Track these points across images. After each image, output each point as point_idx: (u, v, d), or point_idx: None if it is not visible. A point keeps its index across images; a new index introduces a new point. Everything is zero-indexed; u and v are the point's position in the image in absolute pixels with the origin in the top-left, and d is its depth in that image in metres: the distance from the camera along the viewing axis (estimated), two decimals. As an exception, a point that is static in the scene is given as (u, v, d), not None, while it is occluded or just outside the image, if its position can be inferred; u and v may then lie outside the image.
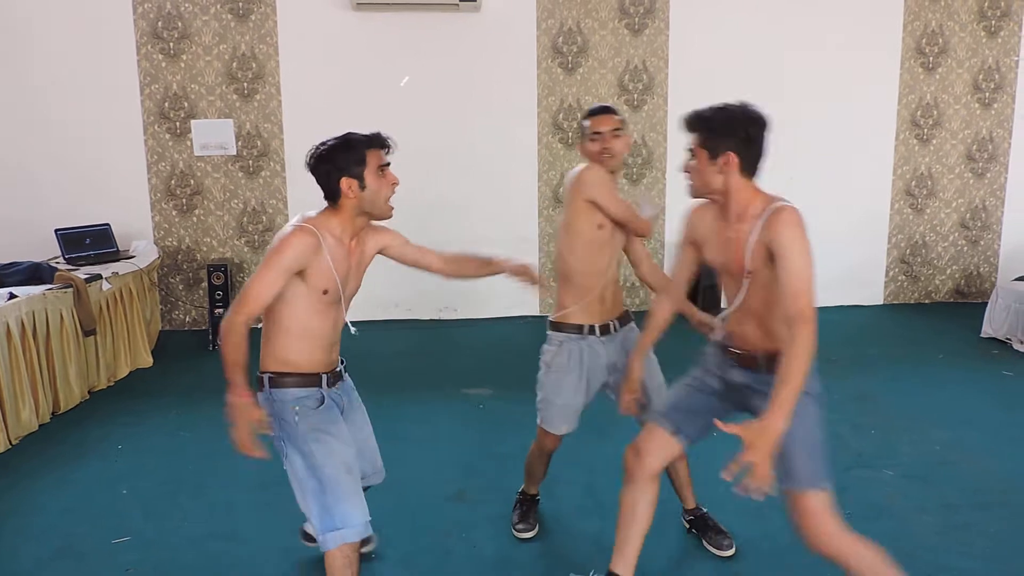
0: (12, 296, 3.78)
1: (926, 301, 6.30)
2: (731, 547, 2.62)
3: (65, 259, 4.73)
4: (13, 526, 2.92)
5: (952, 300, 6.30)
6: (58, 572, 2.62)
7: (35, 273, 4.12)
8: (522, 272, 2.43)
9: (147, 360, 4.84)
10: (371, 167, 2.11)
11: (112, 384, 4.49)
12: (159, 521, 2.94)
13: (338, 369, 2.26)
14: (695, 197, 2.11)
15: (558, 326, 2.56)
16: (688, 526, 2.75)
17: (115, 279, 4.60)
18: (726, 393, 2.14)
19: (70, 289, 4.13)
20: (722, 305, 2.36)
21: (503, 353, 5.13)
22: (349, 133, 2.13)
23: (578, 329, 2.52)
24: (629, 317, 2.65)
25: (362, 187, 2.10)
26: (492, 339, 5.51)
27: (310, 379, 2.14)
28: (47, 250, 4.88)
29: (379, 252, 2.34)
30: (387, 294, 5.89)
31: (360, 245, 2.23)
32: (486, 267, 2.45)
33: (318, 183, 2.13)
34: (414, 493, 3.09)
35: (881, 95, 5.90)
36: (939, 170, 6.08)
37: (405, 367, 4.88)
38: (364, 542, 2.51)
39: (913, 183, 6.09)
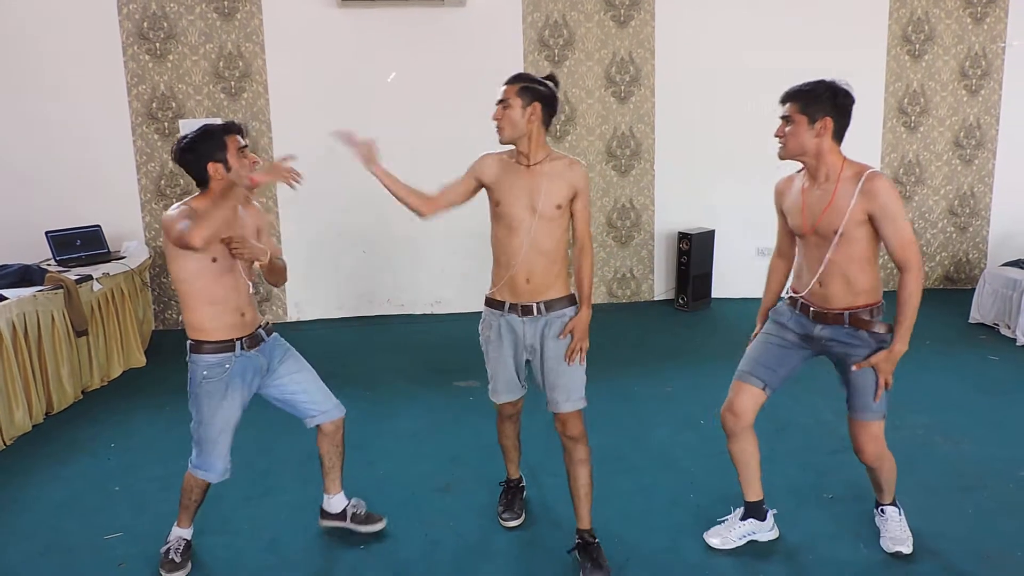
0: (2, 299, 3.80)
1: (916, 288, 6.32)
2: (380, 521, 2.77)
3: (56, 261, 4.76)
4: (7, 524, 2.96)
5: (942, 287, 6.34)
6: (49, 567, 2.66)
7: (25, 275, 4.14)
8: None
9: (140, 360, 4.87)
10: (231, 150, 2.36)
11: (105, 384, 4.52)
12: (151, 517, 2.98)
13: (256, 332, 2.50)
14: (785, 158, 2.37)
15: (487, 301, 2.64)
16: (573, 546, 2.59)
17: (106, 280, 4.63)
18: (805, 345, 2.47)
19: (61, 290, 4.15)
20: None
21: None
22: (206, 124, 2.41)
23: (499, 305, 2.56)
24: (565, 304, 2.54)
25: (227, 168, 2.35)
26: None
27: (224, 345, 2.41)
28: (38, 252, 4.91)
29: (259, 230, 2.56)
30: (379, 290, 5.92)
31: (239, 220, 2.43)
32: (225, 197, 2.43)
33: (187, 172, 2.40)
34: (403, 484, 3.14)
35: (868, 83, 5.91)
36: (927, 157, 6.11)
37: (397, 361, 4.91)
38: (371, 519, 2.75)
39: (901, 171, 6.11)
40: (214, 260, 2.35)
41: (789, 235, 2.56)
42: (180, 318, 5.75)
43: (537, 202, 2.44)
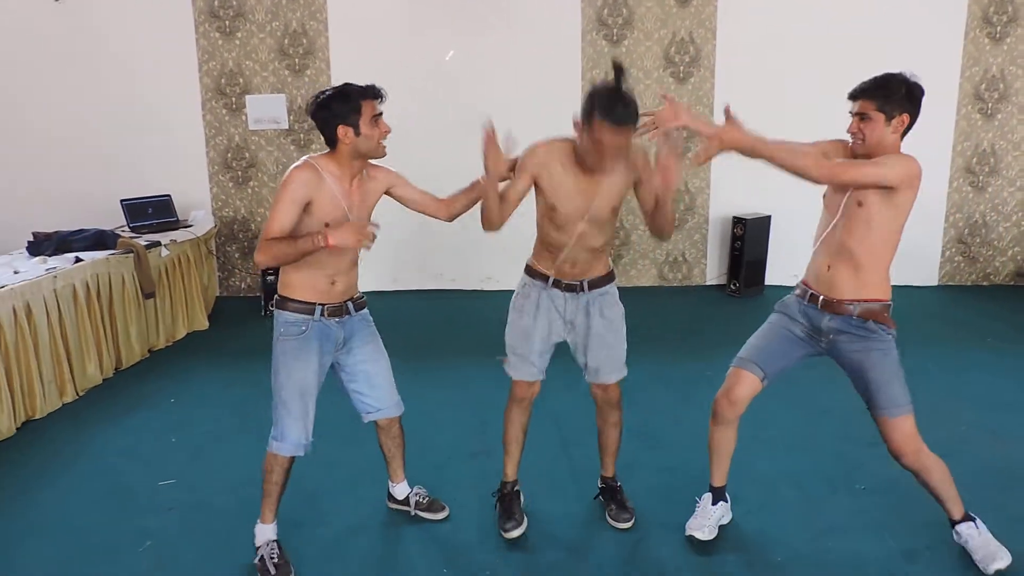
0: (78, 260, 4.09)
1: (984, 283, 6.06)
2: (630, 520, 2.70)
3: (129, 228, 5.06)
4: (76, 467, 3.22)
5: (1013, 283, 6.04)
6: (109, 507, 2.89)
7: (99, 239, 4.42)
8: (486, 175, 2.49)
9: (203, 323, 5.14)
10: (365, 116, 2.28)
11: (170, 344, 4.80)
12: (203, 467, 3.19)
13: (344, 303, 2.43)
14: (861, 153, 2.31)
15: (528, 269, 2.63)
16: (598, 492, 2.82)
17: (173, 246, 4.89)
18: (811, 339, 2.43)
19: (131, 254, 4.43)
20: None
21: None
22: (346, 84, 2.31)
23: (542, 278, 2.56)
24: (606, 281, 2.57)
25: (356, 133, 2.28)
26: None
27: (305, 307, 2.37)
28: (113, 219, 5.22)
29: (386, 192, 2.52)
30: (433, 265, 6.05)
31: (361, 186, 2.40)
32: (470, 192, 2.63)
33: (318, 128, 2.32)
34: (439, 448, 3.26)
35: (942, 67, 5.66)
36: (1003, 147, 5.81)
37: (445, 334, 5.03)
38: (434, 507, 2.78)
39: (974, 160, 5.84)
40: (326, 226, 2.26)
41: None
42: (243, 285, 6.03)
43: (591, 206, 2.39)
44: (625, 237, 6.05)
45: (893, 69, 6.16)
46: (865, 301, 2.31)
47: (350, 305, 2.47)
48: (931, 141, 5.78)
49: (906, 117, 2.25)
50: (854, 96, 2.30)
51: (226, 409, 3.79)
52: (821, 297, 2.37)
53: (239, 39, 5.63)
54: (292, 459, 2.44)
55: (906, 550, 2.54)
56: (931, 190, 5.89)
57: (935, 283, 6.05)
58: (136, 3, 5.55)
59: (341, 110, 2.26)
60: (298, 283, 2.37)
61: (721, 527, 2.66)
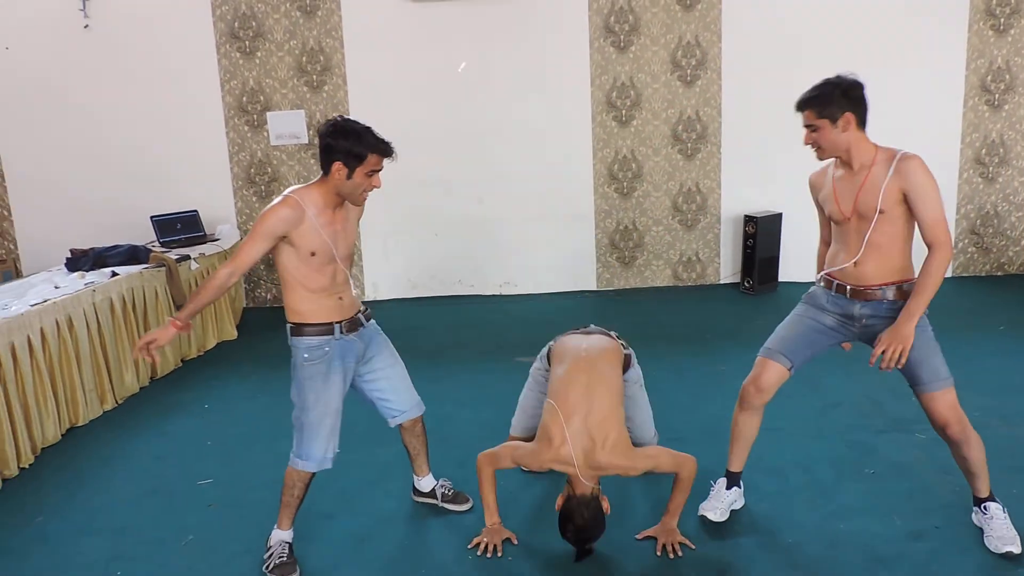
0: (114, 274, 4.29)
1: (998, 273, 6.10)
2: (468, 501, 2.89)
3: (160, 243, 5.26)
4: (118, 469, 3.40)
5: (1027, 272, 6.08)
6: (152, 506, 3.06)
7: (133, 254, 4.63)
8: None
9: (232, 333, 5.33)
10: (365, 167, 2.34)
11: (201, 354, 4.99)
12: (237, 467, 3.35)
13: (356, 316, 2.54)
14: (825, 159, 2.47)
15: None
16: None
17: (202, 259, 5.09)
18: (841, 328, 2.52)
19: (163, 268, 4.62)
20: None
21: (557, 325, 5.31)
22: (368, 129, 2.36)
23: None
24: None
25: (348, 176, 2.34)
26: (548, 312, 5.73)
27: (324, 328, 2.44)
28: (144, 235, 5.43)
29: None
30: (450, 272, 6.21)
31: (344, 213, 2.48)
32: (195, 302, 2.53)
33: (319, 148, 2.39)
34: (462, 445, 3.38)
35: (947, 61, 5.73)
36: (1012, 137, 5.86)
37: (465, 337, 5.17)
38: (459, 499, 2.91)
39: (983, 151, 5.89)
40: (313, 254, 2.36)
41: (828, 224, 2.62)
42: (268, 296, 6.23)
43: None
44: (639, 239, 6.16)
45: (900, 62, 6.30)
46: (894, 284, 2.41)
47: (361, 317, 2.57)
48: (940, 133, 5.84)
49: (850, 115, 2.35)
50: (798, 109, 2.42)
51: (256, 414, 3.96)
52: (848, 287, 2.46)
53: (259, 58, 5.84)
54: (313, 474, 2.54)
55: (914, 531, 2.63)
56: (942, 182, 5.89)
57: (949, 274, 6.09)
58: (160, 27, 5.79)
59: (347, 148, 2.30)
60: (310, 309, 2.43)
61: (735, 512, 2.77)
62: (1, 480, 3.25)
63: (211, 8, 5.76)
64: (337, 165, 2.33)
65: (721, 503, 2.72)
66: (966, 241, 6.07)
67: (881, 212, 2.34)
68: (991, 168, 5.91)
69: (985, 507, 2.51)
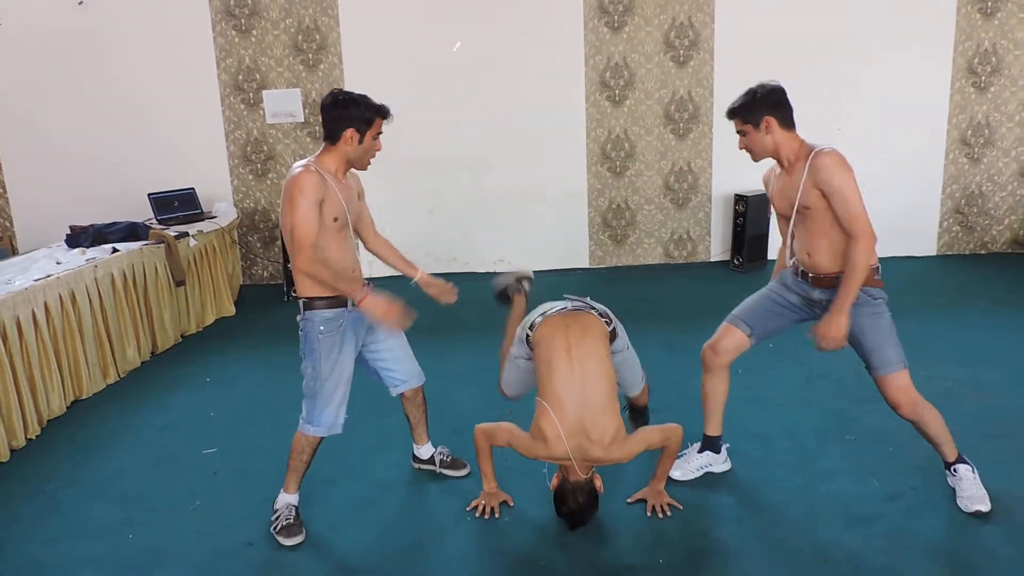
0: (115, 250, 4.35)
1: (982, 252, 6.23)
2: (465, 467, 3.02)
3: (157, 220, 5.32)
4: (124, 440, 3.49)
5: (1010, 251, 6.21)
6: (159, 474, 3.16)
7: (133, 231, 4.68)
8: (435, 291, 2.98)
9: (230, 309, 5.41)
10: (373, 130, 2.50)
11: (200, 330, 5.07)
12: (240, 437, 3.45)
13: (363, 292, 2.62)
14: (758, 160, 2.61)
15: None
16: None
17: (200, 237, 5.15)
18: (805, 308, 2.66)
19: (162, 245, 4.69)
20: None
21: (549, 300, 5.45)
22: (365, 96, 2.51)
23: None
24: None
25: (360, 142, 2.49)
26: (541, 288, 5.77)
27: (336, 301, 2.53)
28: (140, 212, 5.48)
29: (359, 194, 2.71)
30: (445, 250, 6.28)
31: (347, 181, 2.60)
32: (404, 267, 2.94)
33: (324, 122, 2.49)
34: (458, 416, 3.49)
35: (935, 43, 5.81)
36: (997, 118, 5.96)
37: (460, 314, 5.21)
38: (457, 465, 3.04)
39: (969, 132, 5.99)
40: (335, 220, 2.47)
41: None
42: (265, 274, 6.30)
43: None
44: (631, 217, 6.25)
45: (889, 44, 6.39)
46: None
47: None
48: (927, 115, 5.95)
49: (770, 118, 2.48)
50: (728, 117, 2.58)
51: (257, 387, 4.06)
52: (810, 275, 2.58)
53: (255, 36, 5.86)
54: (321, 439, 2.65)
55: (890, 492, 2.76)
56: (928, 162, 6.08)
57: (934, 253, 6.23)
58: (155, 5, 5.79)
59: (356, 115, 2.45)
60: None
61: (720, 475, 2.90)
62: (9, 450, 3.34)
63: (206, -14, 5.77)
64: (350, 132, 2.46)
65: (689, 464, 2.88)
66: (951, 220, 6.19)
67: (806, 208, 2.47)
68: (976, 149, 6.02)
69: (955, 469, 2.63)
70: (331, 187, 2.47)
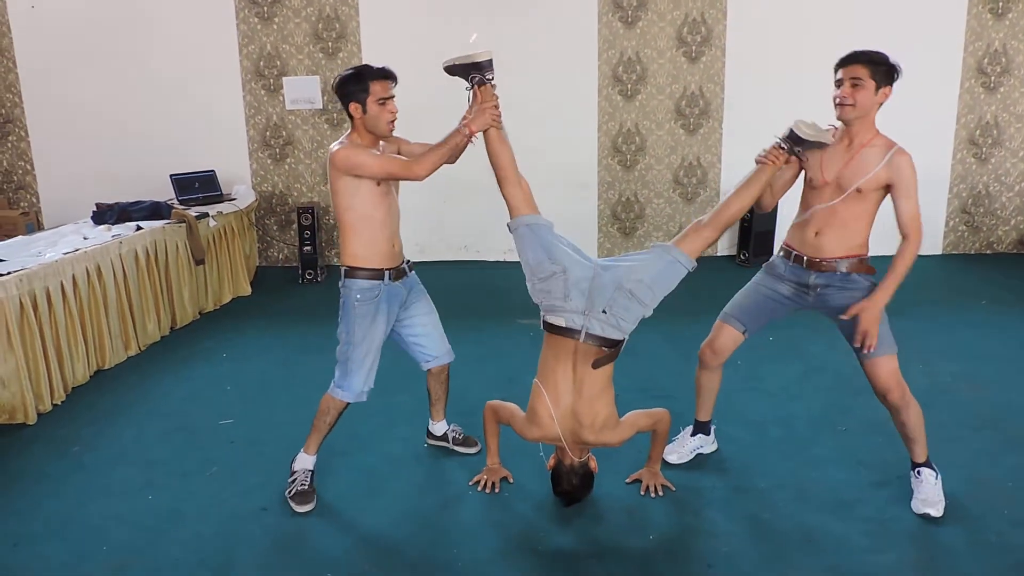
0: (139, 228, 4.51)
1: (988, 252, 6.29)
2: (476, 445, 3.11)
3: (179, 200, 5.47)
4: (144, 409, 3.65)
5: (1016, 251, 6.27)
6: (178, 441, 3.32)
7: (156, 210, 4.84)
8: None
9: (246, 289, 5.57)
10: (373, 96, 2.57)
11: (218, 308, 5.23)
12: (255, 409, 3.61)
13: (402, 266, 2.79)
14: (847, 118, 2.53)
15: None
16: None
17: (220, 218, 5.30)
18: (797, 297, 2.69)
19: (184, 224, 4.84)
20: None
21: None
22: (363, 65, 2.64)
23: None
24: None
25: (364, 112, 2.59)
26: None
27: (375, 273, 2.67)
28: (163, 192, 5.64)
29: (399, 153, 2.81)
30: (457, 237, 6.41)
31: (383, 150, 2.72)
32: (451, 140, 2.65)
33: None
34: (466, 398, 3.61)
35: (946, 42, 5.86)
36: (1006, 119, 6.01)
37: (470, 300, 5.40)
38: (468, 443, 3.15)
39: (977, 132, 6.05)
40: (378, 184, 2.61)
41: (788, 181, 2.73)
42: (280, 256, 6.45)
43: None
44: (640, 210, 6.35)
45: (900, 44, 6.50)
46: (850, 257, 2.58)
47: (405, 267, 2.81)
48: (935, 114, 6.00)
49: (888, 90, 2.50)
50: (846, 63, 2.51)
51: (271, 363, 4.21)
52: (805, 258, 2.62)
53: (276, 24, 5.99)
54: (347, 405, 2.77)
55: (877, 480, 2.87)
56: (936, 161, 6.13)
57: (939, 252, 6.29)
58: (180, -9, 5.94)
59: (353, 89, 2.57)
60: (366, 253, 2.66)
61: (713, 458, 3.03)
62: (36, 414, 3.51)
63: (230, -27, 5.90)
64: (353, 106, 2.59)
65: (683, 448, 3.01)
66: (957, 219, 6.25)
67: (859, 191, 2.51)
68: (984, 149, 6.08)
69: (919, 471, 2.66)
70: (370, 154, 2.58)
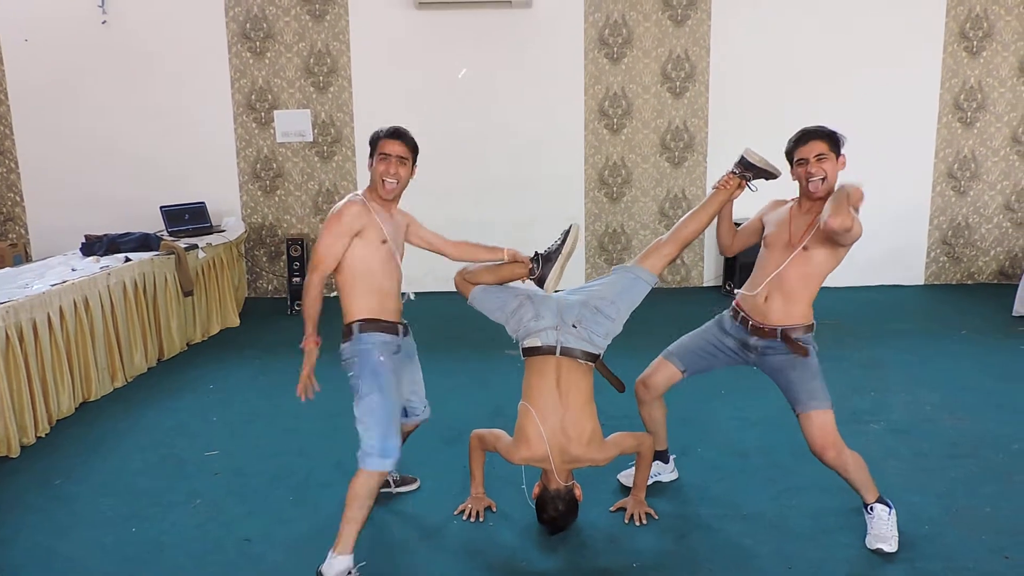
0: (127, 259, 4.54)
1: (968, 282, 6.39)
2: (415, 481, 3.11)
3: (168, 232, 5.51)
4: (130, 440, 3.65)
5: (996, 281, 6.37)
6: (164, 472, 3.31)
7: (145, 242, 4.87)
8: (515, 259, 2.85)
9: (235, 320, 5.58)
10: (378, 151, 2.64)
11: (206, 339, 5.24)
12: (241, 441, 3.61)
13: (405, 324, 2.74)
14: (821, 193, 2.57)
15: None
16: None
17: (209, 249, 5.34)
18: (739, 352, 2.76)
19: (173, 256, 4.87)
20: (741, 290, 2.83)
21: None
22: (392, 128, 2.68)
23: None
24: None
25: (371, 167, 2.67)
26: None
27: (392, 327, 2.60)
28: (153, 224, 5.68)
29: (406, 237, 2.82)
30: (447, 269, 6.45)
31: (394, 216, 2.73)
32: (491, 253, 2.89)
33: None
34: (451, 428, 3.64)
35: (923, 80, 6.03)
36: (983, 153, 6.16)
37: (457, 331, 5.43)
38: (407, 481, 3.10)
39: (956, 166, 6.19)
40: (384, 242, 2.56)
41: (750, 237, 2.93)
42: (269, 287, 6.48)
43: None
44: (627, 242, 6.43)
45: (880, 81, 6.69)
46: (791, 327, 2.62)
47: (407, 325, 2.77)
48: (915, 148, 6.14)
49: (843, 158, 2.62)
50: (803, 141, 2.59)
51: (258, 394, 4.22)
52: (751, 322, 2.68)
53: (268, 58, 6.10)
54: (388, 473, 2.60)
55: (857, 507, 2.86)
56: (916, 195, 6.26)
57: (921, 282, 6.39)
58: (175, 25, 6.05)
59: (371, 150, 2.67)
60: (379, 306, 2.57)
61: (696, 486, 3.05)
62: (20, 447, 3.49)
63: (224, 9, 6.02)
64: (368, 163, 2.68)
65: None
66: (938, 251, 6.36)
67: (805, 249, 2.55)
68: (963, 182, 6.21)
69: (871, 508, 2.65)
70: (374, 218, 2.56)
